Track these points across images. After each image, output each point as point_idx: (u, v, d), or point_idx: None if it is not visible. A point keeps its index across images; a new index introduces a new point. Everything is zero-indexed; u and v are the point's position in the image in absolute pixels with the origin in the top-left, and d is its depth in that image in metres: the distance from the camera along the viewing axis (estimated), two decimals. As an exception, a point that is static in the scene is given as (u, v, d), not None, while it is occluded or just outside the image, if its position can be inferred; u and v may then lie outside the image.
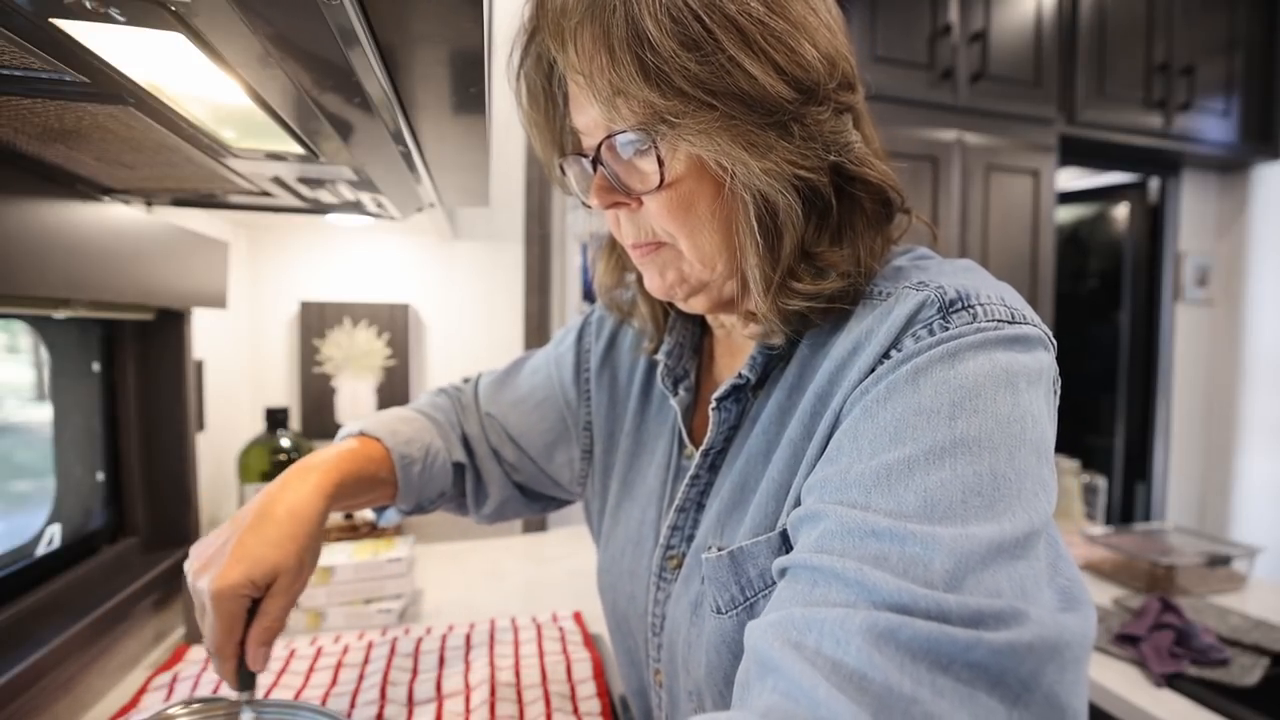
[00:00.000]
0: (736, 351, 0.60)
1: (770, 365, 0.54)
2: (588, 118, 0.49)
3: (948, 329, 0.41)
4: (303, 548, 0.56)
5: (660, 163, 0.45)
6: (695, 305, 0.54)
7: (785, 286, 0.47)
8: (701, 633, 0.52)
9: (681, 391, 0.61)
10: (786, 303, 0.47)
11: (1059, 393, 0.46)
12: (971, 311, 0.42)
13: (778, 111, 0.43)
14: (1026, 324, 0.43)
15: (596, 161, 0.49)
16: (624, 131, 0.46)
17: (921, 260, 0.51)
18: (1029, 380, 0.41)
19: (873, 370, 0.43)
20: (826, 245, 0.48)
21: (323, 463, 0.62)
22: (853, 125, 0.48)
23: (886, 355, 0.43)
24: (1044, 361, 0.43)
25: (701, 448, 0.56)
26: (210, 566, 0.53)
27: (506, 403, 0.78)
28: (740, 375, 0.53)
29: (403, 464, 0.68)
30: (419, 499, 0.72)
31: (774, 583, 0.43)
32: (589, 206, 0.53)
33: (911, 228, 0.54)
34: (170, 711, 0.55)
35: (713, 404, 0.54)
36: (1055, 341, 0.46)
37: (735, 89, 0.42)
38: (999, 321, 0.42)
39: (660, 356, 0.63)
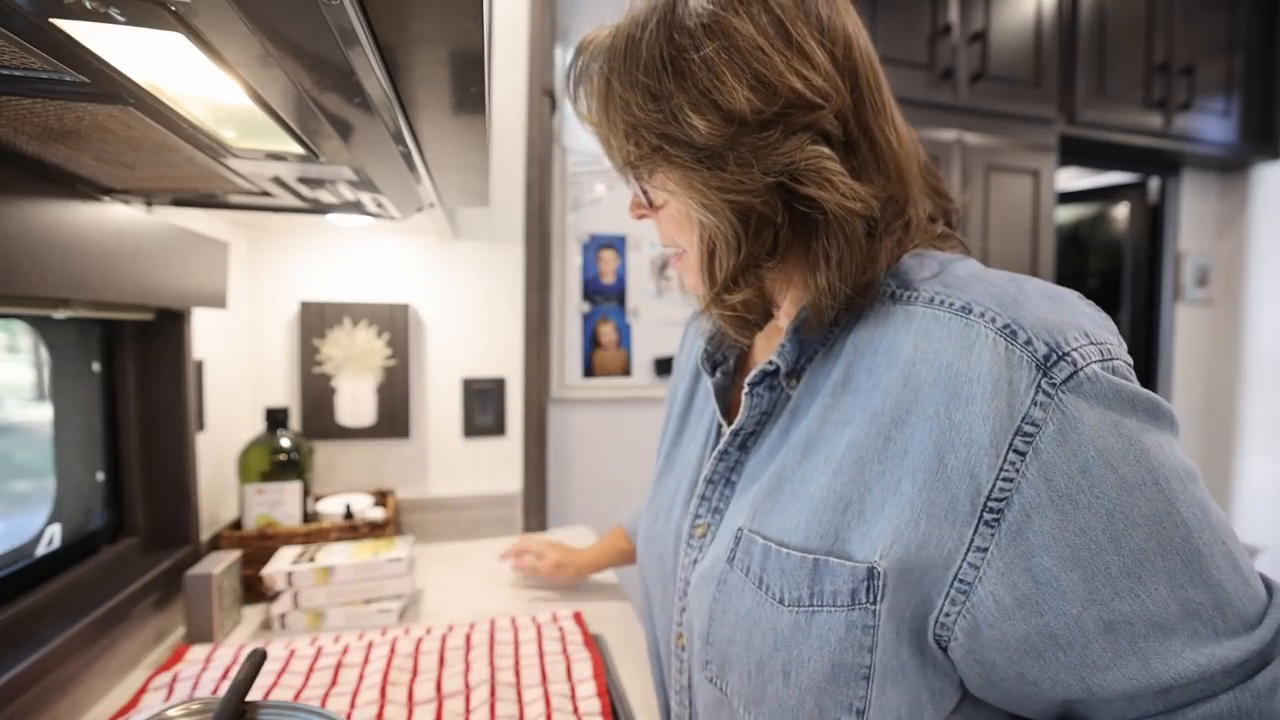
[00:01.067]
0: (773, 339, 0.62)
1: (802, 356, 0.55)
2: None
3: (1066, 391, 0.41)
4: (579, 571, 1.15)
5: (644, 191, 0.56)
6: (728, 300, 0.58)
7: (719, 299, 0.55)
8: (729, 609, 0.52)
9: (719, 374, 0.66)
10: (721, 312, 0.56)
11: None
12: (1073, 363, 0.42)
13: (706, 147, 0.48)
14: (1124, 361, 0.44)
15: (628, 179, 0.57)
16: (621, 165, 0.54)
17: (978, 271, 0.51)
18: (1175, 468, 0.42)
19: (1010, 444, 0.42)
20: (774, 260, 0.53)
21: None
22: (826, 141, 0.49)
23: (1020, 431, 0.41)
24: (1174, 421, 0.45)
25: (732, 427, 0.58)
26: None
27: None
28: (770, 362, 0.55)
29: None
30: None
31: (845, 604, 0.46)
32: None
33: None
34: (170, 712, 0.55)
35: (745, 388, 0.57)
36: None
37: (677, 137, 0.49)
38: (1117, 378, 0.42)
39: (701, 340, 0.68)
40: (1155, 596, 0.39)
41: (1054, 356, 0.41)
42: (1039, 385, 0.41)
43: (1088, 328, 0.43)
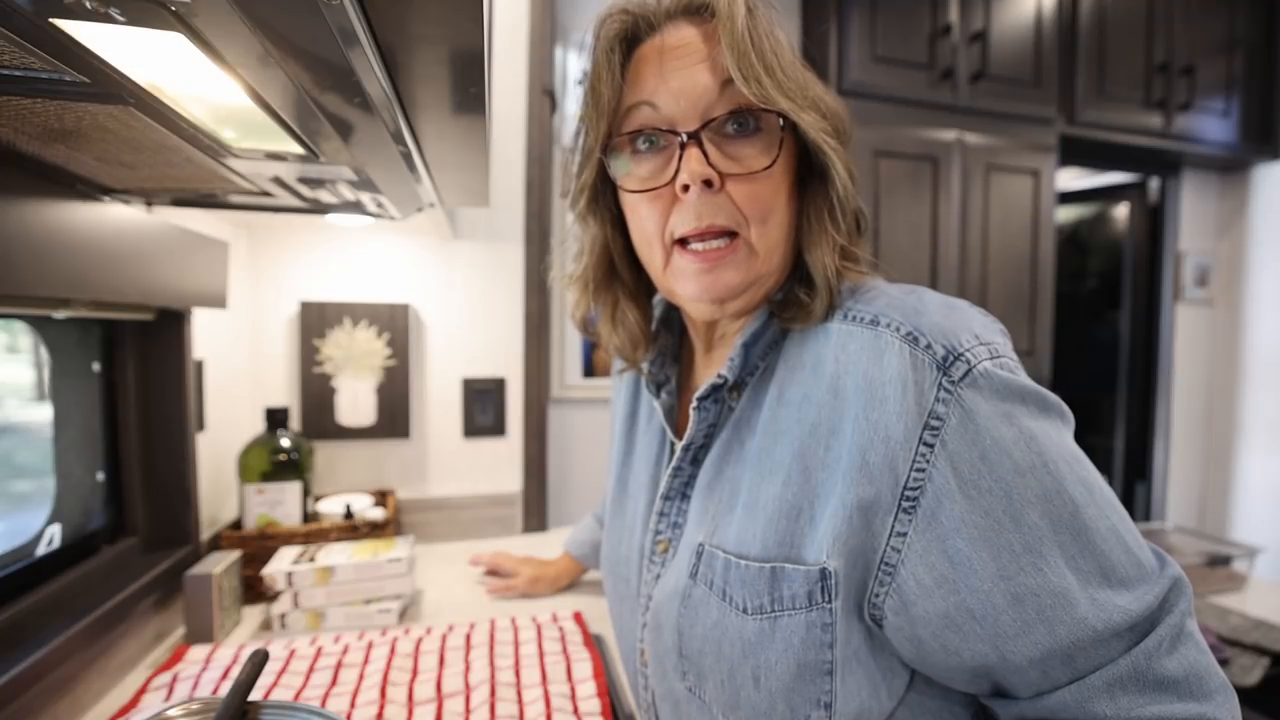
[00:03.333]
0: (712, 360, 0.66)
1: (746, 368, 0.59)
2: (690, 99, 0.53)
3: (963, 387, 0.46)
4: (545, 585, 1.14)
5: (780, 146, 0.53)
6: (731, 308, 0.58)
7: (843, 267, 0.56)
8: (697, 622, 0.55)
9: (664, 394, 0.68)
10: (842, 279, 0.56)
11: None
12: (967, 362, 0.47)
13: (837, 136, 0.55)
14: (1010, 359, 0.49)
15: (698, 138, 0.53)
16: (765, 110, 0.52)
17: (884, 288, 0.56)
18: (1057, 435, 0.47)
19: (921, 437, 0.47)
20: (852, 240, 0.58)
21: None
22: None
23: (928, 427, 0.46)
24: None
25: (683, 442, 0.61)
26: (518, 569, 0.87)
27: None
28: (719, 376, 0.58)
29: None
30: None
31: (803, 606, 0.49)
32: (638, 191, 0.56)
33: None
34: (170, 712, 0.55)
35: (694, 403, 0.59)
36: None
37: (822, 108, 0.55)
38: (1005, 373, 0.47)
39: (644, 365, 0.70)
40: (1054, 568, 0.44)
41: (950, 357, 0.46)
42: (940, 384, 0.46)
43: (977, 330, 0.48)
